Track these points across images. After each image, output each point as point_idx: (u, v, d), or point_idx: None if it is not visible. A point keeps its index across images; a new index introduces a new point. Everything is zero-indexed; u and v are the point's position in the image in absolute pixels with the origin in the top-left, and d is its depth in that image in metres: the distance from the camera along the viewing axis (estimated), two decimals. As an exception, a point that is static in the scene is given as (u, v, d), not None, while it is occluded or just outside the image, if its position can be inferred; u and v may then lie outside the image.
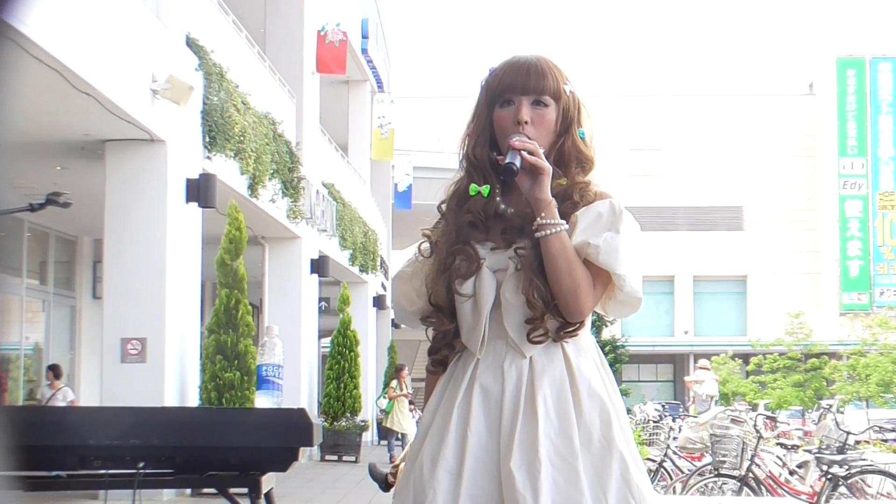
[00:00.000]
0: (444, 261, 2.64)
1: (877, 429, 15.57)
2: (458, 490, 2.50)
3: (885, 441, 14.51)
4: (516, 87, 2.62)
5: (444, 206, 2.73)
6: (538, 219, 2.53)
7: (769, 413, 17.22)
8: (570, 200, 2.60)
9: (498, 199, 2.64)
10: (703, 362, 21.10)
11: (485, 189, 2.60)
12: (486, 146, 2.65)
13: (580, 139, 2.68)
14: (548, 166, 2.54)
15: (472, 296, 2.60)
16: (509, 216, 2.62)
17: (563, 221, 2.54)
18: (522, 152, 2.52)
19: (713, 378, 20.26)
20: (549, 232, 2.52)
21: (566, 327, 2.56)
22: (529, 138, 2.58)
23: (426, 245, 2.72)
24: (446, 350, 2.67)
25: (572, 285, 2.52)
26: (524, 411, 2.52)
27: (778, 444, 11.80)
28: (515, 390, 2.55)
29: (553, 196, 2.56)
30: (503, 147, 2.60)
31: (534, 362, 2.57)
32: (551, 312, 2.54)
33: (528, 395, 2.54)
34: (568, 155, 2.66)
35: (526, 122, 2.60)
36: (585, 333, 2.63)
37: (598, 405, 2.55)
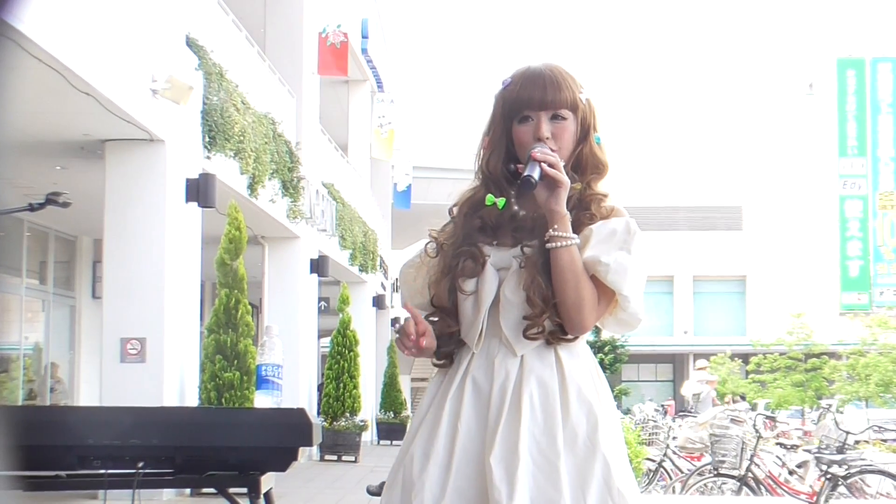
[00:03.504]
0: (449, 263, 2.66)
1: (877, 428, 15.55)
2: (447, 482, 2.53)
3: (885, 441, 14.50)
4: (533, 102, 2.63)
5: (454, 210, 2.75)
6: (551, 230, 2.56)
7: (769, 413, 17.21)
8: (588, 211, 2.63)
9: (512, 201, 2.67)
10: (700, 363, 21.27)
11: (500, 201, 2.64)
12: (502, 160, 2.67)
13: (597, 145, 2.70)
14: (566, 180, 2.56)
15: (474, 292, 2.62)
16: (522, 217, 2.65)
17: (575, 236, 2.57)
18: (543, 164, 2.54)
19: (697, 380, 20.40)
20: (559, 244, 2.55)
21: (562, 332, 2.58)
22: (552, 150, 2.60)
23: (432, 245, 2.74)
24: (451, 345, 2.69)
25: (577, 299, 2.55)
26: (509, 407, 2.55)
27: (777, 443, 11.81)
28: (503, 387, 2.57)
29: (569, 201, 2.58)
30: (523, 159, 2.62)
31: (525, 362, 2.59)
32: (550, 312, 2.56)
33: (514, 392, 2.56)
34: (585, 161, 2.70)
35: (547, 139, 2.62)
36: (581, 340, 2.65)
37: (586, 408, 2.56)
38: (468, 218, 2.70)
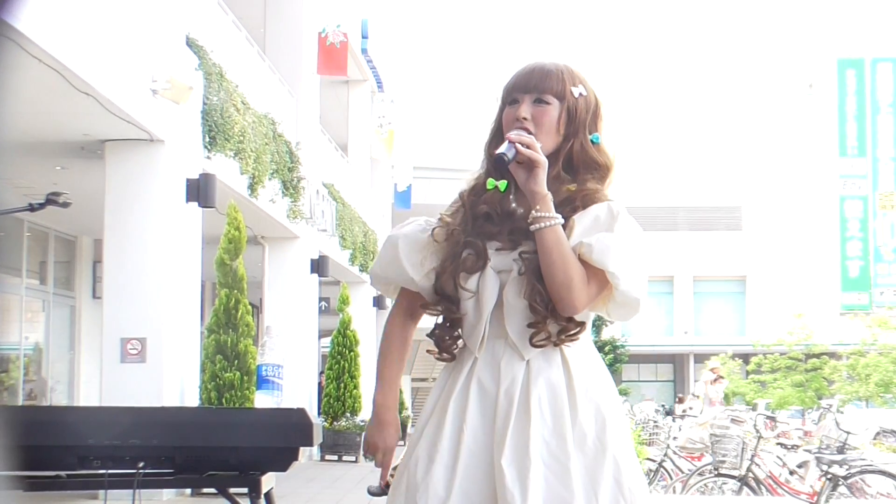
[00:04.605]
0: (455, 251, 2.66)
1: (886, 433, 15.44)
2: (452, 484, 2.52)
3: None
4: (519, 86, 2.69)
5: (464, 195, 2.76)
6: (533, 211, 2.56)
7: (769, 413, 17.22)
8: (572, 205, 2.62)
9: (511, 197, 2.67)
10: (713, 364, 21.61)
11: (502, 184, 2.63)
12: (498, 146, 2.68)
13: (593, 144, 2.69)
14: (542, 159, 2.57)
15: (475, 294, 2.62)
16: (519, 216, 2.64)
17: (558, 215, 2.56)
18: (517, 144, 2.56)
19: (702, 381, 20.61)
20: (543, 225, 2.55)
21: (566, 331, 2.58)
22: (529, 133, 2.62)
23: (441, 230, 2.73)
24: (451, 340, 2.68)
25: (566, 279, 2.53)
26: (518, 410, 2.54)
27: (778, 443, 11.80)
28: (510, 389, 2.57)
29: (559, 200, 2.59)
30: None
31: (531, 364, 2.58)
32: (553, 316, 2.55)
33: (522, 394, 2.56)
34: (577, 159, 2.69)
35: (525, 119, 2.64)
36: (585, 337, 2.65)
37: (594, 408, 2.56)
38: (474, 205, 2.71)
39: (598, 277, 2.57)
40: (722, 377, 23.89)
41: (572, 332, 2.59)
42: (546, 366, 2.58)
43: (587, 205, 2.62)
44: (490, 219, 2.67)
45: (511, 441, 2.50)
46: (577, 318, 2.61)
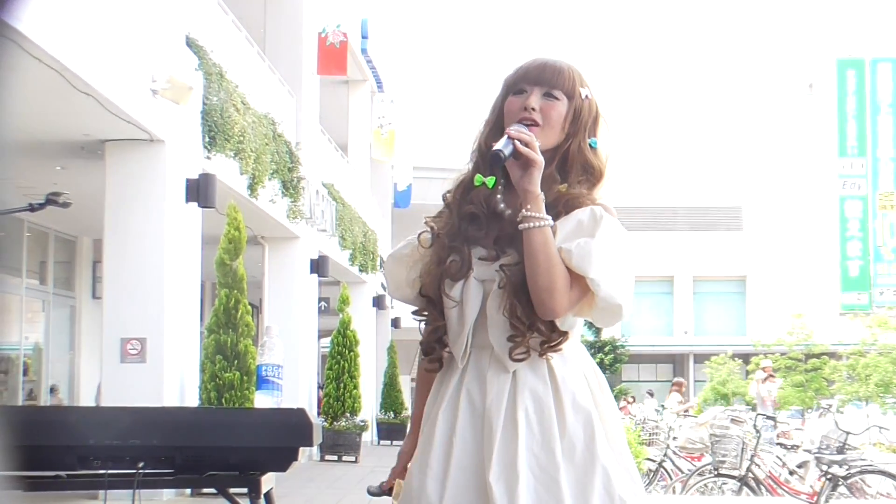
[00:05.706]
0: (441, 256, 2.65)
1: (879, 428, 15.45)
2: (443, 497, 2.51)
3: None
4: (530, 77, 2.66)
5: (448, 196, 2.73)
6: (523, 210, 2.52)
7: (769, 413, 17.21)
8: (554, 210, 2.58)
9: (499, 196, 2.63)
10: (765, 363, 21.59)
11: (490, 180, 2.59)
12: (497, 137, 2.64)
13: (590, 147, 2.68)
14: (539, 159, 2.53)
15: (458, 303, 2.60)
16: (507, 218, 2.61)
17: (549, 217, 2.52)
18: (516, 142, 2.52)
19: (755, 380, 20.70)
20: (531, 225, 2.51)
21: (549, 342, 2.55)
22: (533, 123, 2.60)
23: (427, 236, 2.71)
24: (439, 347, 2.67)
25: (549, 283, 2.50)
26: (504, 424, 2.52)
27: (777, 444, 11.81)
28: (496, 402, 2.54)
29: (547, 201, 2.56)
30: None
31: (517, 375, 2.56)
32: (533, 330, 2.53)
33: (509, 407, 2.53)
34: (572, 159, 2.66)
35: (533, 109, 2.61)
36: (573, 344, 2.62)
37: (583, 418, 2.53)
38: (461, 204, 2.68)
39: (579, 283, 2.53)
40: (773, 375, 23.60)
41: (555, 342, 2.55)
42: (532, 376, 2.55)
43: (570, 209, 2.59)
44: (476, 220, 2.63)
45: (498, 457, 2.49)
46: (561, 327, 2.57)
